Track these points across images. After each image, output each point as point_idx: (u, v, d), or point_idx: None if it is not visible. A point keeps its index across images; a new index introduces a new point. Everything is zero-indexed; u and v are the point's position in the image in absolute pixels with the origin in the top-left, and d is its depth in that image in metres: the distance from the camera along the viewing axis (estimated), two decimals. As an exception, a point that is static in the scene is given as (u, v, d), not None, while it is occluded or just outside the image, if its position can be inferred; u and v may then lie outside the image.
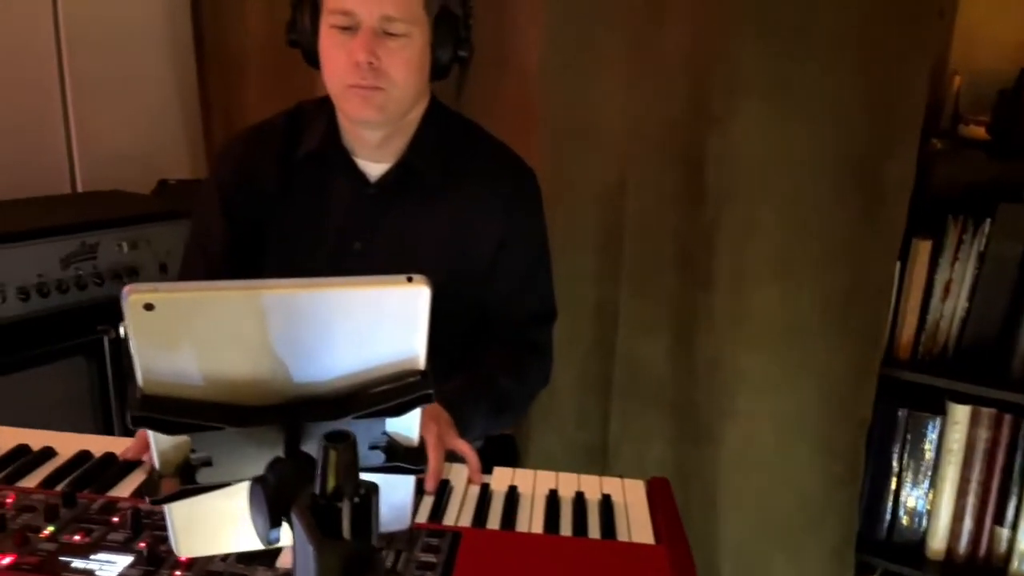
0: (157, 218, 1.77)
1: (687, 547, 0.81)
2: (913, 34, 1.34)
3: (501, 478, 0.95)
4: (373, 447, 0.59)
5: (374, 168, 1.17)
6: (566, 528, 0.85)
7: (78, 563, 0.73)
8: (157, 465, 0.56)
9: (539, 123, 1.67)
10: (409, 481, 0.62)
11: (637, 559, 0.80)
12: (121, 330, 0.53)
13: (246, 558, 0.75)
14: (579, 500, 0.91)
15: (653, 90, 1.57)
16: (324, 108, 1.17)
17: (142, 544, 0.76)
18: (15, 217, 1.69)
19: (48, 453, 0.96)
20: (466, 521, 0.85)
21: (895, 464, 1.53)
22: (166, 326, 0.51)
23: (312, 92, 2.13)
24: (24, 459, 0.94)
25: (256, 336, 0.53)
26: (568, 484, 0.94)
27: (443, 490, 0.91)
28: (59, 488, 0.87)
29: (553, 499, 0.91)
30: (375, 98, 1.05)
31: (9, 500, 0.83)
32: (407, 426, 0.60)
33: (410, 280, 0.54)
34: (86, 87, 2.21)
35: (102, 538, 0.77)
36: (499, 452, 1.30)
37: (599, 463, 1.75)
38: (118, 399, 1.66)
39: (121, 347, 1.66)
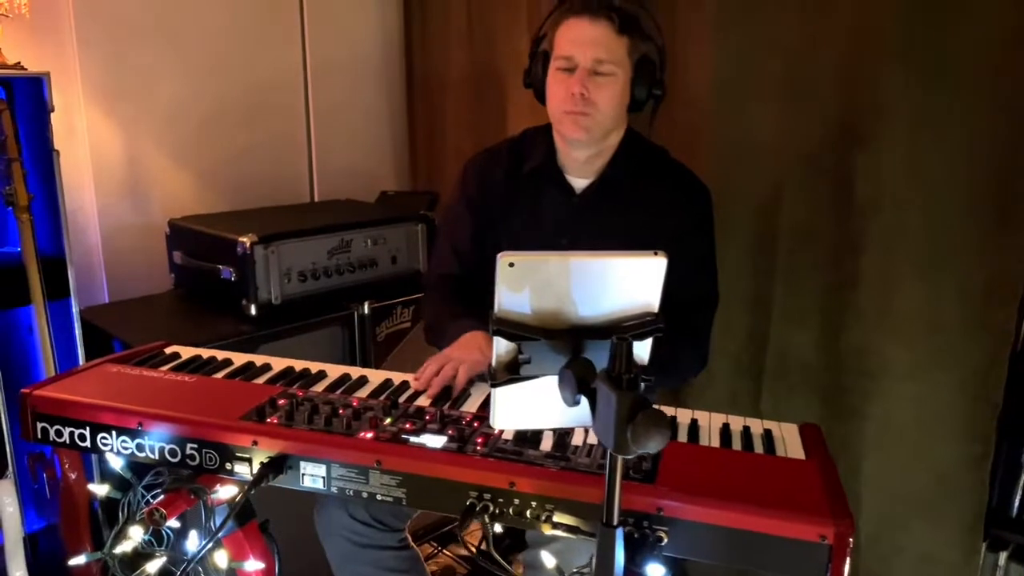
0: (391, 221, 2.23)
1: (833, 462, 1.10)
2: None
3: (683, 414, 1.27)
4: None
5: (579, 183, 1.53)
6: (736, 446, 1.16)
7: (413, 439, 1.13)
8: (494, 363, 0.94)
9: (706, 145, 1.98)
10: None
11: (793, 469, 1.10)
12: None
13: (521, 440, 1.11)
14: (746, 430, 1.21)
15: (807, 113, 1.84)
16: (544, 135, 1.54)
17: (451, 431, 1.15)
18: (292, 218, 2.20)
19: (363, 380, 1.38)
20: (662, 437, 1.18)
21: (1028, 446, 1.70)
22: (517, 276, 0.88)
23: (498, 120, 2.58)
24: (350, 382, 1.37)
25: (563, 285, 0.89)
26: (736, 421, 1.25)
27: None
28: (382, 398, 1.28)
29: (726, 428, 1.22)
30: (583, 121, 1.41)
31: (355, 402, 1.25)
32: (643, 349, 0.94)
33: (655, 254, 0.88)
34: (324, 115, 2.75)
35: (423, 427, 1.17)
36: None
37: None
38: (361, 359, 2.12)
39: (364, 321, 2.12)
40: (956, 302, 1.67)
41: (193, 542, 1.20)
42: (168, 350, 1.51)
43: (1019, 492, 1.75)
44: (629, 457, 0.80)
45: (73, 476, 1.81)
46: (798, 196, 1.88)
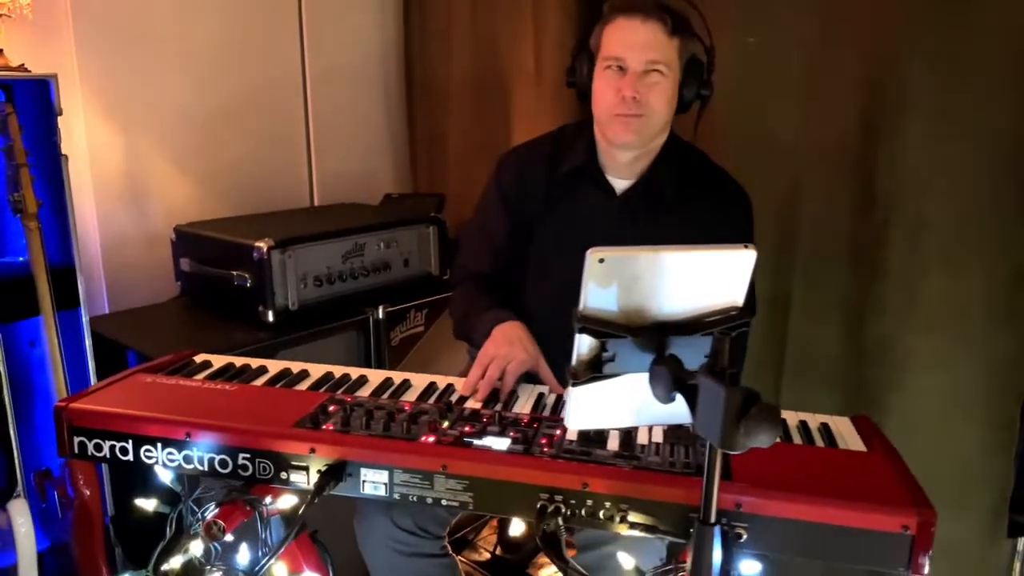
0: (402, 223, 2.20)
1: (897, 452, 1.10)
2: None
3: (737, 410, 1.27)
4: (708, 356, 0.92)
5: (620, 184, 1.50)
6: (797, 440, 1.16)
7: (476, 442, 1.10)
8: (575, 362, 0.92)
9: (726, 142, 1.98)
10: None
11: (859, 461, 1.10)
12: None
13: (585, 440, 1.10)
14: (803, 424, 1.21)
15: (827, 109, 1.85)
16: (584, 132, 1.51)
17: (512, 433, 1.12)
18: (303, 223, 2.16)
19: (407, 383, 1.35)
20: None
21: (1051, 433, 1.73)
22: (606, 272, 0.86)
23: (500, 121, 2.55)
24: (393, 386, 1.34)
25: (652, 280, 0.88)
26: (791, 416, 1.25)
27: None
28: (431, 401, 1.26)
29: (783, 423, 1.21)
30: (634, 124, 1.38)
31: (407, 407, 1.22)
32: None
33: (745, 247, 0.87)
34: (324, 118, 2.70)
35: (482, 429, 1.14)
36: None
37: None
38: (376, 363, 2.09)
39: (379, 325, 2.09)
40: (980, 293, 1.69)
41: (243, 555, 1.16)
42: (198, 358, 1.46)
43: (1040, 480, 1.78)
44: (735, 452, 0.79)
45: (88, 493, 1.74)
46: (819, 192, 1.89)
